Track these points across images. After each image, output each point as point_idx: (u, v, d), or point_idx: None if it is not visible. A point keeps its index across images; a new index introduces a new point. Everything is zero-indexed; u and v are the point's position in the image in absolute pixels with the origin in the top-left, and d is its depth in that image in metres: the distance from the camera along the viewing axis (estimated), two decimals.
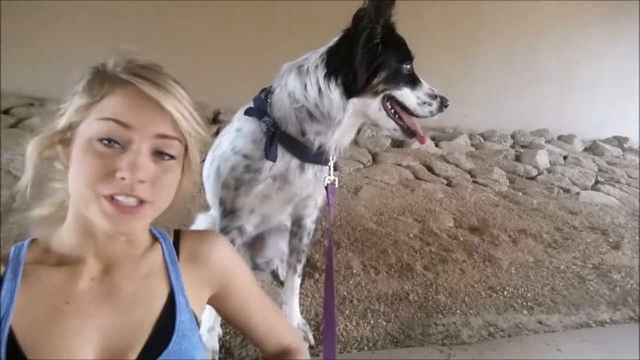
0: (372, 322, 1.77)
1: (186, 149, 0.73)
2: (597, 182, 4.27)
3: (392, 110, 1.27)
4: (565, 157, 5.01)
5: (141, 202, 0.67)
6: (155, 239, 0.83)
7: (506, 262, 2.35)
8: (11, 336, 0.63)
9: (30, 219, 0.78)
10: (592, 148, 5.73)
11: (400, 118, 1.29)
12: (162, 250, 0.81)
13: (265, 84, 1.42)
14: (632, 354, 1.67)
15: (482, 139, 5.48)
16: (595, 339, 1.78)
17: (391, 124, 1.28)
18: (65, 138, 0.69)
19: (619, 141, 6.23)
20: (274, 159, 1.26)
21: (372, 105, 1.24)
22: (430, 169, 4.00)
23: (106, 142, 0.65)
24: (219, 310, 0.92)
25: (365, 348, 1.62)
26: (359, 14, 1.17)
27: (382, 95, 1.24)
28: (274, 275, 2.00)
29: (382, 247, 2.36)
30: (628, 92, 6.62)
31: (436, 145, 4.86)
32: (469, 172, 4.07)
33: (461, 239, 2.59)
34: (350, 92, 1.21)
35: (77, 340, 0.67)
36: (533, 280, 2.20)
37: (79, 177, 0.66)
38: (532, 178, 4.19)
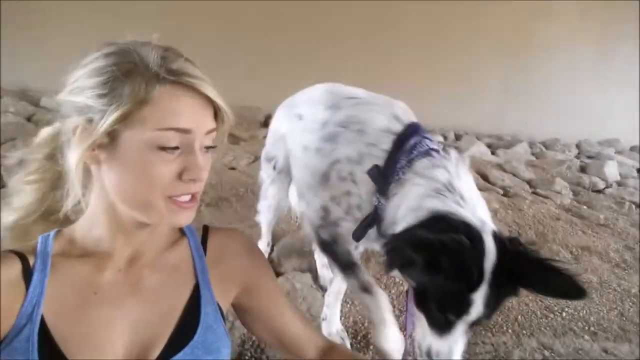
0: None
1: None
2: None
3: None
4: (639, 170, 4.57)
5: (193, 194, 0.71)
6: (182, 232, 0.85)
7: None
8: (43, 325, 0.66)
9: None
10: None
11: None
12: (189, 243, 0.83)
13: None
14: None
15: (543, 148, 5.15)
16: None
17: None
18: (102, 143, 0.66)
19: None
20: (357, 239, 1.18)
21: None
22: (485, 177, 3.79)
23: (170, 151, 0.66)
24: (249, 312, 0.90)
25: None
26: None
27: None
28: (314, 277, 1.96)
29: None
30: None
31: (492, 153, 4.62)
32: (528, 182, 3.81)
33: None
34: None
35: (106, 330, 0.70)
36: (597, 303, 1.99)
37: (142, 184, 0.67)
38: (599, 191, 3.85)
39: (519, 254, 0.89)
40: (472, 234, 0.88)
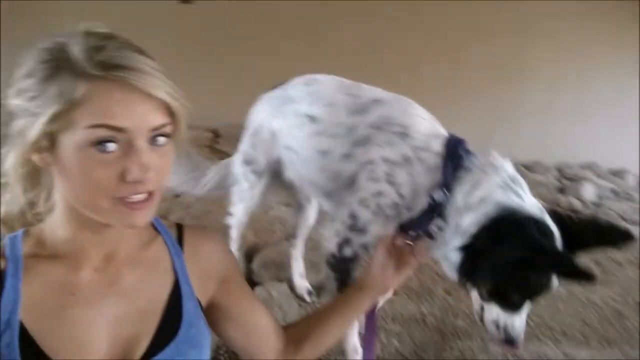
0: (384, 341, 1.74)
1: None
2: None
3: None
4: (615, 192, 4.72)
5: (150, 193, 0.66)
6: (154, 228, 0.84)
7: None
8: (22, 330, 0.64)
9: None
10: None
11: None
12: (165, 241, 0.82)
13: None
14: None
15: (525, 169, 5.29)
16: None
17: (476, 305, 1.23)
18: (41, 146, 0.63)
19: None
20: (420, 227, 1.19)
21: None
22: None
23: (102, 148, 0.61)
24: (223, 309, 0.91)
25: None
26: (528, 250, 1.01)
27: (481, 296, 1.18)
28: (291, 287, 2.02)
29: None
30: None
31: None
32: None
33: None
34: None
35: (88, 330, 0.69)
36: (563, 312, 2.07)
37: (85, 188, 0.64)
38: (576, 212, 3.97)
39: (573, 224, 1.08)
40: (542, 228, 1.03)
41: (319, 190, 1.46)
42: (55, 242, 0.71)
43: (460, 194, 1.13)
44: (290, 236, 2.09)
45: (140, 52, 0.65)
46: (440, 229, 1.17)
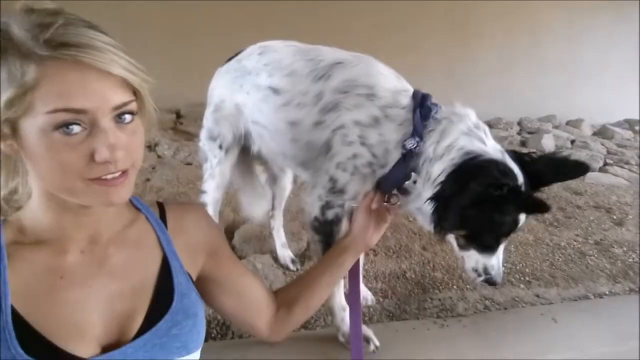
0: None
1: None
2: (605, 164, 4.22)
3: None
4: (572, 142, 4.95)
5: (124, 171, 0.66)
6: (136, 208, 0.84)
7: None
8: (15, 315, 0.64)
9: None
10: (602, 132, 5.65)
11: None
12: (147, 219, 0.83)
13: None
14: (631, 323, 1.67)
15: (488, 127, 5.46)
16: (593, 310, 1.78)
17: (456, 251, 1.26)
18: (4, 134, 0.62)
19: (630, 124, 6.12)
20: (397, 182, 1.21)
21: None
22: None
23: (67, 130, 0.59)
24: (214, 280, 0.93)
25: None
26: (485, 186, 1.04)
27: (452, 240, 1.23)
28: (274, 257, 2.05)
29: None
30: (636, 75, 6.50)
31: None
32: None
33: None
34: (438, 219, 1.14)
35: (81, 311, 0.69)
36: (532, 257, 2.21)
37: (55, 172, 0.62)
38: None
39: (532, 162, 1.14)
40: (503, 168, 1.09)
41: (293, 161, 1.47)
42: (37, 228, 0.71)
43: (430, 145, 1.17)
44: (268, 209, 2.10)
45: (91, 26, 0.62)
46: (414, 182, 1.21)
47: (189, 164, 3.30)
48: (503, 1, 5.88)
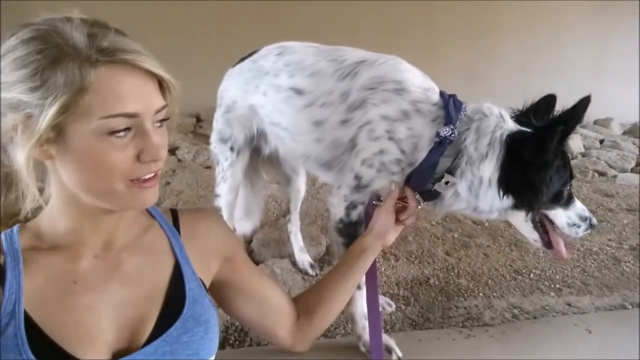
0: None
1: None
2: (637, 164, 4.04)
3: (539, 223, 1.23)
4: (601, 141, 4.77)
5: (154, 173, 0.69)
6: (150, 215, 0.85)
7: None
8: (28, 321, 0.64)
9: None
10: (632, 131, 5.42)
11: (545, 230, 1.24)
12: (161, 225, 0.83)
13: None
14: None
15: None
16: (631, 321, 1.68)
17: (535, 235, 1.24)
18: (47, 138, 0.62)
19: None
20: (419, 182, 1.19)
21: (521, 216, 1.21)
22: None
23: (118, 134, 0.63)
24: (231, 286, 0.91)
25: (382, 330, 1.60)
26: (543, 143, 1.07)
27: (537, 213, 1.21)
28: (293, 262, 2.01)
29: (402, 235, 2.32)
30: None
31: None
32: None
33: (486, 224, 2.51)
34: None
35: (93, 316, 0.69)
36: (562, 263, 2.10)
37: (100, 174, 0.64)
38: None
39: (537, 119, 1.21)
40: (540, 127, 1.14)
41: (316, 162, 1.43)
42: (53, 233, 0.72)
43: (471, 144, 1.15)
44: (286, 212, 2.07)
45: (127, 35, 0.67)
46: (446, 183, 1.17)
47: (209, 167, 3.30)
48: (520, 3, 5.74)
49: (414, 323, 1.65)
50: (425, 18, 5.37)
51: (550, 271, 2.02)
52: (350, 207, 1.29)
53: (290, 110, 1.39)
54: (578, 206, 1.23)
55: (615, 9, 6.11)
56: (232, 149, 1.58)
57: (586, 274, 2.01)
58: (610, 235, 2.43)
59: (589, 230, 1.24)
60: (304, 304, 1.02)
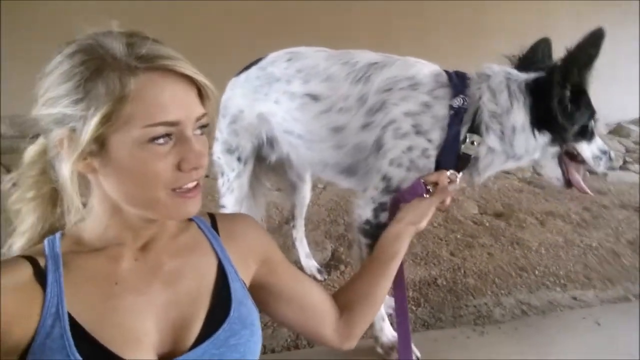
0: None
1: None
2: (625, 162, 4.14)
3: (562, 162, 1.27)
4: None
5: (197, 183, 0.69)
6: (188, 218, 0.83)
7: (535, 243, 2.30)
8: (72, 322, 0.64)
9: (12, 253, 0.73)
10: (617, 130, 5.57)
11: (567, 169, 1.28)
12: (199, 227, 0.83)
13: None
14: None
15: None
16: (635, 312, 1.72)
17: (558, 173, 1.27)
18: (90, 151, 0.63)
19: None
20: (448, 158, 1.20)
21: (551, 153, 1.24)
22: None
23: (159, 142, 0.63)
24: (270, 288, 0.90)
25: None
26: (550, 78, 1.15)
27: (564, 147, 1.24)
28: (300, 268, 2.01)
29: None
30: None
31: None
32: None
33: (487, 224, 2.55)
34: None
35: (137, 318, 0.68)
36: (564, 259, 2.14)
37: (142, 183, 0.64)
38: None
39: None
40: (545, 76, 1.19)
41: (336, 168, 1.41)
42: (95, 239, 0.72)
43: (489, 102, 1.19)
44: (289, 219, 2.06)
45: (164, 44, 0.67)
46: (472, 143, 1.21)
47: (207, 176, 3.27)
48: (510, 1, 5.87)
49: (426, 323, 1.66)
50: (417, 17, 5.44)
51: (554, 267, 2.06)
52: (379, 209, 1.27)
53: (306, 117, 1.36)
54: (599, 141, 1.28)
55: (599, 9, 6.29)
56: (239, 159, 1.54)
57: (588, 269, 2.05)
58: (607, 230, 2.49)
59: (609, 165, 1.29)
60: (344, 299, 0.99)
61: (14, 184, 0.73)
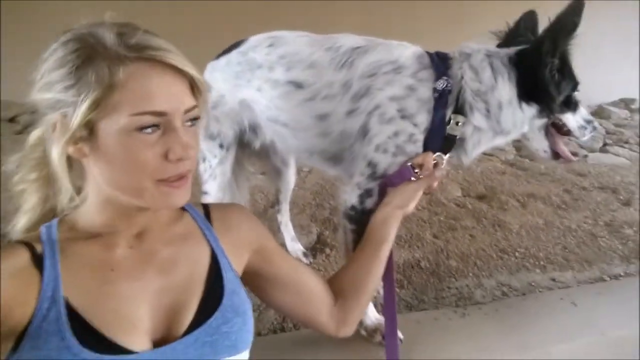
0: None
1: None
2: (605, 144, 4.22)
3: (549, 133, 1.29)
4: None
5: (184, 175, 0.70)
6: (182, 207, 0.85)
7: (516, 225, 2.34)
8: (68, 306, 0.66)
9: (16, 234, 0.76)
10: (599, 112, 5.65)
11: (554, 140, 1.29)
12: (193, 217, 0.84)
13: None
14: None
15: None
16: (611, 292, 1.77)
17: (545, 145, 1.29)
18: (80, 136, 0.65)
19: (626, 103, 6.13)
20: (435, 142, 1.20)
21: (538, 124, 1.26)
22: None
23: (146, 131, 0.64)
24: (266, 276, 0.92)
25: (380, 314, 1.63)
26: (539, 47, 1.15)
27: (551, 119, 1.25)
28: None
29: None
30: (630, 54, 6.50)
31: None
32: None
33: (469, 207, 2.58)
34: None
35: (131, 303, 0.70)
36: (544, 241, 2.19)
37: (129, 172, 0.66)
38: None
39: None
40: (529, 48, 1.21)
41: (322, 156, 1.40)
42: (89, 225, 0.74)
43: (473, 81, 1.20)
44: (274, 203, 2.06)
45: (157, 35, 0.68)
46: (457, 124, 1.21)
47: None
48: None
49: (409, 305, 1.69)
50: (408, 15, 5.38)
51: (534, 249, 2.10)
52: (365, 195, 1.26)
53: (289, 106, 1.34)
54: (583, 111, 1.30)
55: None
56: (221, 145, 1.51)
57: (567, 251, 2.10)
58: (586, 212, 2.54)
59: (593, 134, 1.31)
60: (338, 286, 1.01)
61: (18, 166, 0.76)
